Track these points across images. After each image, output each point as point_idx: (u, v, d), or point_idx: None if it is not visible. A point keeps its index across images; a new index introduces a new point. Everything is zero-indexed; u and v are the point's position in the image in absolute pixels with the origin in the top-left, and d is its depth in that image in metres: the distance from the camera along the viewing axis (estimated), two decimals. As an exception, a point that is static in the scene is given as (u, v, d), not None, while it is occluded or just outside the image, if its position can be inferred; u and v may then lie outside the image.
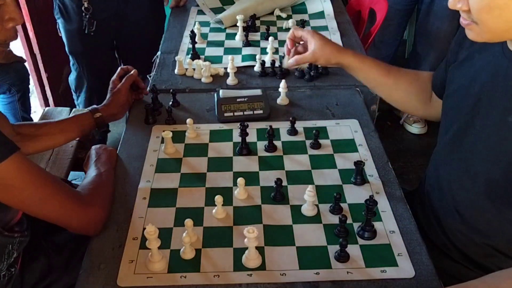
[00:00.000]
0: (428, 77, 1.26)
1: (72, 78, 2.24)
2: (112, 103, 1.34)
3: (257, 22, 1.90)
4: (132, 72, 1.40)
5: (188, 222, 0.99)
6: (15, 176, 0.88)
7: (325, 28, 1.88)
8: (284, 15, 1.98)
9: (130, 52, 2.17)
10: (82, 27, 1.92)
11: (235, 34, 1.81)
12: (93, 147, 1.27)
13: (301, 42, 1.31)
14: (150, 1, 2.09)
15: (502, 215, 0.99)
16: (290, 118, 1.31)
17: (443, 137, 1.13)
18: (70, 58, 2.15)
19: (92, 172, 1.14)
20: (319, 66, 1.56)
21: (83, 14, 1.86)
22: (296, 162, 1.23)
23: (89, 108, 1.33)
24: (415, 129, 2.75)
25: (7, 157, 0.86)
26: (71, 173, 1.85)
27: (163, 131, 1.28)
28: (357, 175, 1.16)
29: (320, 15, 1.98)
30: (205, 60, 1.63)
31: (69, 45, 2.07)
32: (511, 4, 0.80)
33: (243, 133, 1.25)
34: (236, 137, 1.31)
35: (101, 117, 1.30)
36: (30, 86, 2.58)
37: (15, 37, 0.97)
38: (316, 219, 1.07)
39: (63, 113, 2.10)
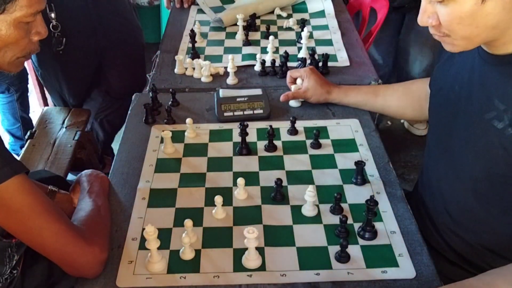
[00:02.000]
0: (421, 84, 1.29)
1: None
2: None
3: (257, 21, 1.89)
4: None
5: (188, 222, 0.98)
6: (13, 198, 0.85)
7: (326, 27, 1.87)
8: (284, 14, 1.97)
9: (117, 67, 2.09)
10: (52, 46, 1.79)
11: (235, 33, 1.81)
12: (83, 173, 1.18)
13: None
14: (123, 9, 2.01)
15: (488, 213, 1.00)
16: (291, 118, 1.31)
17: (431, 138, 1.13)
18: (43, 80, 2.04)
19: (87, 204, 1.05)
20: (319, 65, 1.55)
21: (51, 33, 1.74)
22: (297, 162, 1.23)
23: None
24: (416, 129, 2.74)
25: (9, 177, 0.83)
26: (70, 173, 1.85)
27: (163, 130, 1.27)
28: (358, 175, 1.15)
29: (321, 14, 1.97)
30: (205, 59, 1.62)
31: (39, 64, 1.97)
32: (477, 9, 0.81)
33: (243, 133, 1.24)
34: (236, 137, 1.30)
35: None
36: (28, 86, 2.57)
37: (38, 49, 0.98)
38: (316, 219, 1.06)
39: (62, 112, 2.09)
